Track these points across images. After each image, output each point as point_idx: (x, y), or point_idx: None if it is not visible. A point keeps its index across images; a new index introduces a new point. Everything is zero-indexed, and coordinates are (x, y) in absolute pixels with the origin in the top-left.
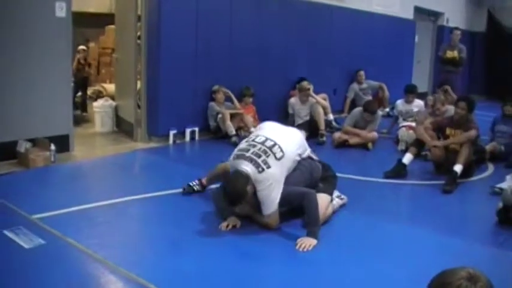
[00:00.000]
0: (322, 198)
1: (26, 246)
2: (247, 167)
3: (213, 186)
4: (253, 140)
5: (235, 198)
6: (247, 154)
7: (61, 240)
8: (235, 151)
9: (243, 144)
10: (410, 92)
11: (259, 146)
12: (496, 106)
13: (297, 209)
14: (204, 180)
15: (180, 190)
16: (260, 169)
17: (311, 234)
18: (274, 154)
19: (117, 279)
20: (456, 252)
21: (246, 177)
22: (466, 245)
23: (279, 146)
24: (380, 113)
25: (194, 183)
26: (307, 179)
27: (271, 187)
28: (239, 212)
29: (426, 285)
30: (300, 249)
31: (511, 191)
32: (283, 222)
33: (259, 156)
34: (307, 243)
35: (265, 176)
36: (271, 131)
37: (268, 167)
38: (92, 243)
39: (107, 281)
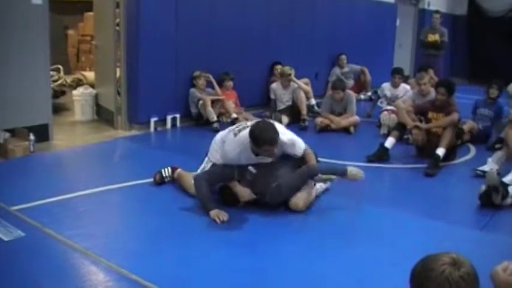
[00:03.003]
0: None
1: (5, 238)
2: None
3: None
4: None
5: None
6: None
7: (41, 232)
8: (232, 130)
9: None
10: (397, 73)
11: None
12: (479, 89)
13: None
14: (176, 174)
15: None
16: None
17: (342, 172)
18: None
19: (98, 270)
20: (439, 235)
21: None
22: (449, 228)
23: None
24: (353, 94)
25: (166, 173)
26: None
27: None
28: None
29: (410, 268)
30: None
31: (497, 171)
32: (268, 211)
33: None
34: (354, 175)
35: None
36: None
37: None
38: (73, 234)
39: (88, 271)
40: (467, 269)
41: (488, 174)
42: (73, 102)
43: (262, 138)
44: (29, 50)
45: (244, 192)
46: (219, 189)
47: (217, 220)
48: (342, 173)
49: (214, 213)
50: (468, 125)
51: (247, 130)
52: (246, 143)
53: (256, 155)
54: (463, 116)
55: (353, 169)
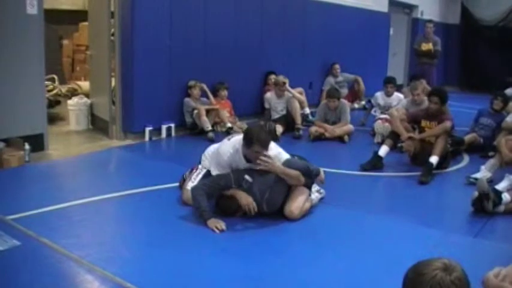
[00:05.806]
0: (301, 191)
1: (0, 247)
2: None
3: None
4: None
5: (267, 135)
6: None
7: (36, 241)
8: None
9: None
10: (389, 82)
11: None
12: (471, 97)
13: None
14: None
15: (156, 187)
16: None
17: (316, 173)
18: None
19: (93, 279)
20: (433, 242)
21: None
22: (443, 235)
23: None
24: (346, 102)
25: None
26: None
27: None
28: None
29: (403, 275)
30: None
31: (490, 179)
32: (263, 220)
33: None
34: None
35: None
36: None
37: None
38: (68, 243)
39: (83, 280)
40: (459, 273)
41: (479, 181)
42: (68, 112)
43: (256, 137)
44: (23, 60)
45: (246, 197)
46: (217, 197)
47: (216, 229)
48: (316, 174)
49: (211, 222)
50: (470, 137)
51: (241, 135)
52: (238, 147)
53: (247, 160)
54: (459, 124)
55: (322, 173)
